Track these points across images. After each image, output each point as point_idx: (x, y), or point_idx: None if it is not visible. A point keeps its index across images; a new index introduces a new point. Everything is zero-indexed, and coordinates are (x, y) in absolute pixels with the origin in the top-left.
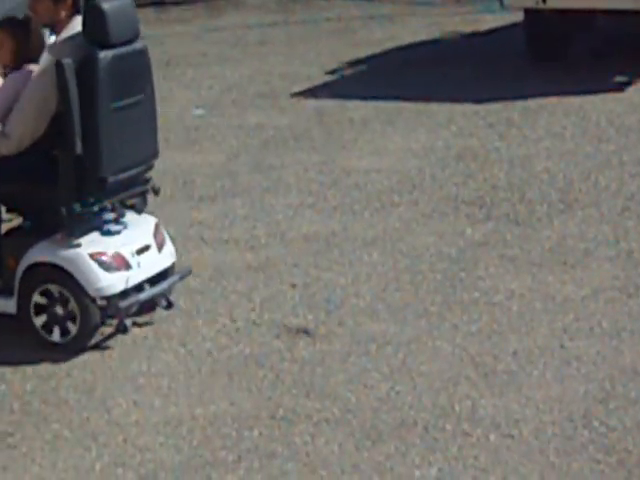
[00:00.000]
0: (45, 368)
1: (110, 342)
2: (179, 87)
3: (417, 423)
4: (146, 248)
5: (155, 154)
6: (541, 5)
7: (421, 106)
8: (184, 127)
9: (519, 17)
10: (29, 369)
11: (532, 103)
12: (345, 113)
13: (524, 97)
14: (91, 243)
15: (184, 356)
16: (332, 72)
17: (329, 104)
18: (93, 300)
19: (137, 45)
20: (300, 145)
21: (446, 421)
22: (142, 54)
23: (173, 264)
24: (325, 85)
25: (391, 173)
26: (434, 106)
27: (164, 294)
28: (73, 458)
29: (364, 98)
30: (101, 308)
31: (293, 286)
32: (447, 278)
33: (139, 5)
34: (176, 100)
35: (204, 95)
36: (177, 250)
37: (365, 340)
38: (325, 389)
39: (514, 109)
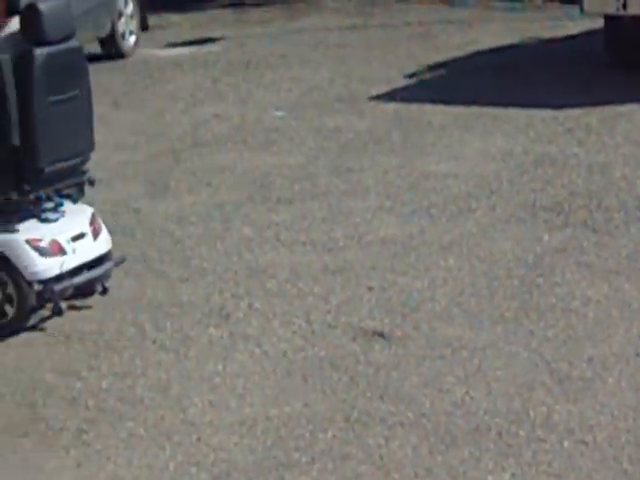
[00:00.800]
0: (121, 366)
1: (186, 342)
2: (258, 89)
3: (491, 428)
4: (81, 235)
5: (91, 147)
6: (621, 11)
7: (499, 111)
8: (263, 129)
9: (599, 24)
10: (104, 367)
11: (611, 110)
12: (424, 117)
13: (603, 103)
14: (28, 229)
15: (259, 357)
16: (411, 76)
17: (408, 108)
18: (29, 284)
19: (72, 43)
20: (379, 148)
21: (520, 427)
22: (77, 52)
23: (109, 251)
24: (404, 89)
25: (469, 178)
26: (512, 111)
27: (100, 279)
28: (147, 457)
29: (443, 102)
30: (37, 292)
31: (370, 289)
32: (524, 284)
33: (219, 6)
34: (255, 102)
35: (283, 97)
36: (253, 251)
37: (440, 344)
38: (400, 392)
39: (593, 115)
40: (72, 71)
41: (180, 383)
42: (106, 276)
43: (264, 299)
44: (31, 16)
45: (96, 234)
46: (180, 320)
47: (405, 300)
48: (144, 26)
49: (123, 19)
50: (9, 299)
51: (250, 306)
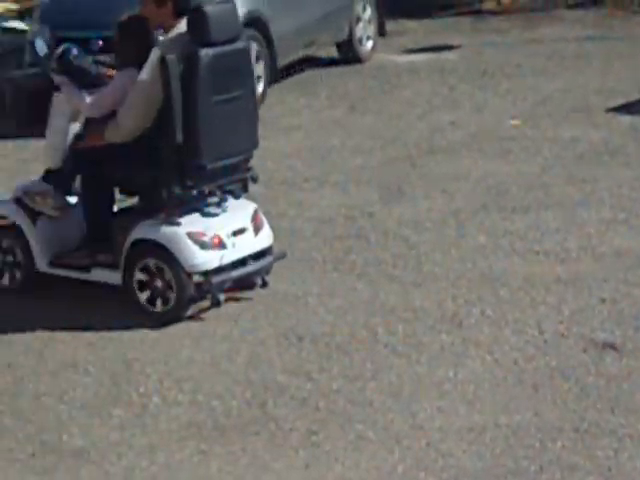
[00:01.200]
0: (352, 369)
1: (418, 347)
2: (494, 97)
3: None
4: (242, 231)
5: (254, 145)
6: None
7: None
8: (498, 137)
9: None
10: (335, 369)
11: None
12: None
13: None
14: (190, 223)
15: (490, 364)
16: None
17: None
18: (189, 275)
19: (238, 44)
20: (614, 160)
21: None
22: (243, 53)
23: (270, 246)
24: None
25: None
26: None
27: (260, 273)
28: (375, 459)
29: None
30: (196, 283)
31: (602, 301)
32: None
33: (457, 14)
34: (490, 110)
35: (519, 106)
36: (487, 259)
37: None
38: (630, 405)
39: None
40: (237, 71)
41: (410, 388)
42: (266, 270)
43: (496, 307)
44: (198, 18)
45: (257, 229)
46: (412, 325)
47: (638, 313)
48: (382, 32)
49: (361, 24)
50: (169, 289)
51: (482, 313)
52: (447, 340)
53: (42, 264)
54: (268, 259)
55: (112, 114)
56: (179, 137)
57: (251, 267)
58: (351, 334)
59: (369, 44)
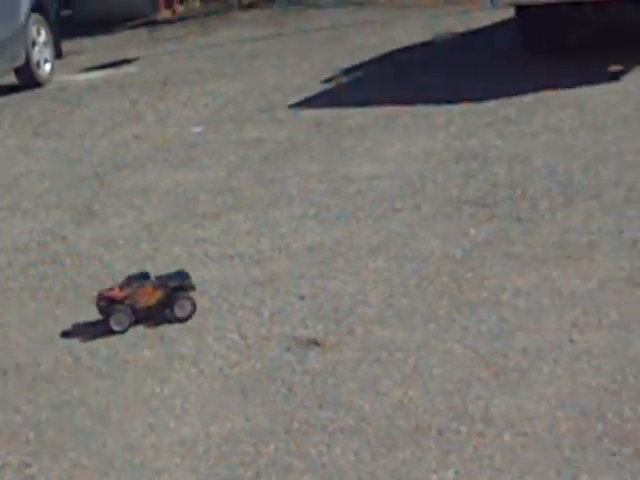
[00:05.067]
0: (58, 397)
1: (121, 366)
2: (176, 106)
3: (431, 427)
4: None
5: None
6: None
7: (419, 109)
8: (183, 145)
9: (511, 14)
10: (42, 399)
11: (528, 98)
12: (343, 121)
13: (520, 93)
14: None
15: (196, 375)
16: (327, 81)
17: (326, 113)
18: None
19: None
20: (300, 156)
21: (460, 423)
22: None
23: None
24: (321, 94)
25: (392, 178)
26: (431, 108)
27: None
28: None
29: (361, 105)
30: None
31: (301, 298)
32: (453, 280)
33: (133, 27)
34: (174, 119)
35: (201, 112)
36: (183, 268)
37: (375, 347)
38: (338, 399)
39: (511, 105)
40: None
41: (119, 408)
42: None
43: (197, 315)
44: None
45: None
46: (114, 345)
47: (337, 306)
48: (58, 53)
49: (37, 48)
50: None
51: (183, 324)
52: (151, 357)
53: None
54: None
55: None
56: None
57: None
58: (56, 362)
59: (47, 67)
